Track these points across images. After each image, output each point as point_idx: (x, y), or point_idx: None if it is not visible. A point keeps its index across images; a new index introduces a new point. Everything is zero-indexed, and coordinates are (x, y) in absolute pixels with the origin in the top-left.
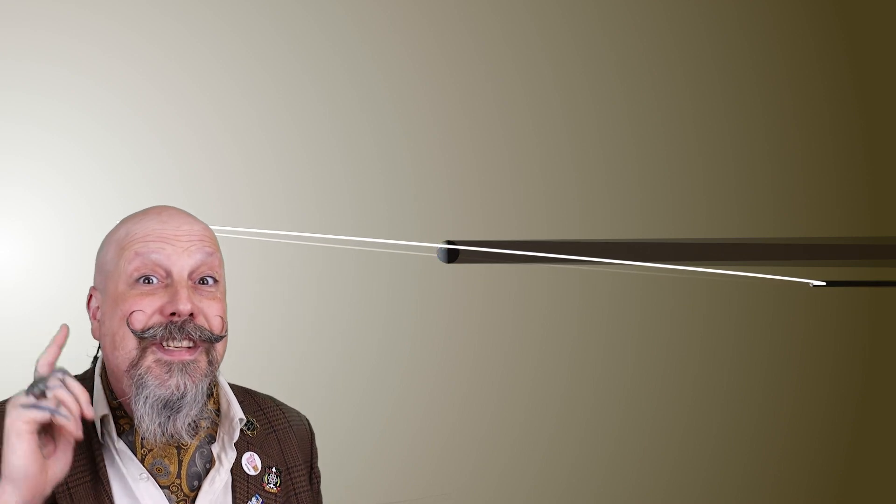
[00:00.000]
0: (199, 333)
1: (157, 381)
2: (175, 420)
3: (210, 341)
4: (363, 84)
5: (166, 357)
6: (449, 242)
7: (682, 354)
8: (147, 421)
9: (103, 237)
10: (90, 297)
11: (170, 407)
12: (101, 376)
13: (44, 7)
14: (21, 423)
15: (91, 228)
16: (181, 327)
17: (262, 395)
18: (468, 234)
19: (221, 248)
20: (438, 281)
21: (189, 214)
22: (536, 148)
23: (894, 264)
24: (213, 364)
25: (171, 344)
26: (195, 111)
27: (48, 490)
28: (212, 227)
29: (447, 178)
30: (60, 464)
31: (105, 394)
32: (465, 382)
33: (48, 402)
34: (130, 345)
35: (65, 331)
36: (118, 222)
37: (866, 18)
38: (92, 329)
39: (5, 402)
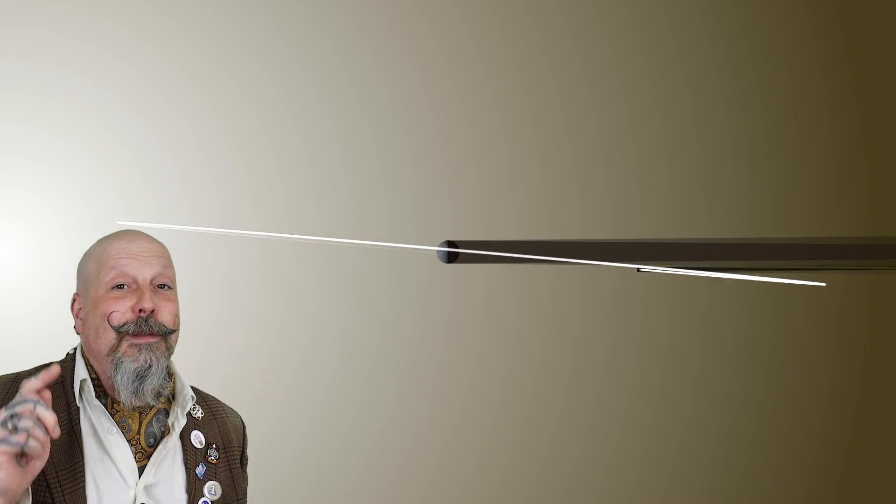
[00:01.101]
0: (158, 328)
1: (131, 359)
2: (143, 385)
3: (166, 334)
4: (363, 84)
5: (137, 341)
6: (449, 243)
7: (683, 354)
8: (123, 390)
9: (89, 247)
10: (73, 300)
11: (140, 376)
12: (81, 354)
13: (44, 7)
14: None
15: (91, 228)
16: (146, 321)
17: (205, 393)
18: (468, 234)
19: (219, 248)
20: (438, 281)
21: (149, 236)
22: (536, 148)
23: (894, 264)
24: (169, 349)
25: (140, 334)
26: (195, 111)
27: (26, 486)
28: (211, 227)
29: (447, 178)
30: (36, 468)
31: (86, 366)
32: (466, 382)
33: (18, 437)
34: (110, 336)
35: (55, 371)
36: (95, 242)
37: (866, 18)
38: (75, 325)
39: None
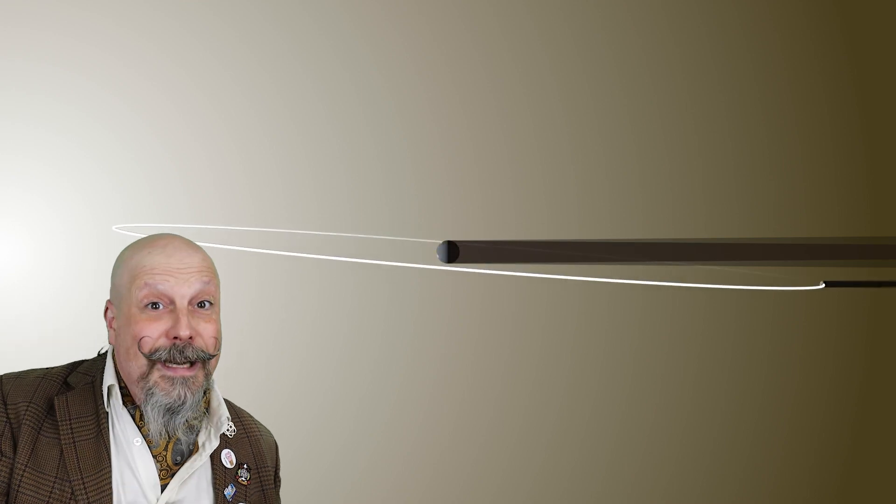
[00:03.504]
0: (196, 355)
1: (164, 393)
2: (174, 420)
3: (205, 360)
4: (363, 84)
5: (170, 374)
6: (449, 242)
7: (683, 355)
8: (153, 423)
9: (105, 247)
10: (107, 308)
11: (172, 411)
12: (112, 358)
13: (45, 7)
14: None
15: (91, 228)
16: (182, 351)
17: (239, 408)
18: (468, 235)
19: (217, 253)
20: (438, 284)
21: (190, 245)
22: (536, 148)
23: (894, 264)
24: (208, 377)
25: (172, 364)
26: (195, 111)
27: None
28: (210, 225)
29: (447, 178)
30: None
31: (114, 370)
32: (465, 387)
33: None
34: (141, 361)
35: None
36: (131, 245)
37: (866, 18)
38: (109, 335)
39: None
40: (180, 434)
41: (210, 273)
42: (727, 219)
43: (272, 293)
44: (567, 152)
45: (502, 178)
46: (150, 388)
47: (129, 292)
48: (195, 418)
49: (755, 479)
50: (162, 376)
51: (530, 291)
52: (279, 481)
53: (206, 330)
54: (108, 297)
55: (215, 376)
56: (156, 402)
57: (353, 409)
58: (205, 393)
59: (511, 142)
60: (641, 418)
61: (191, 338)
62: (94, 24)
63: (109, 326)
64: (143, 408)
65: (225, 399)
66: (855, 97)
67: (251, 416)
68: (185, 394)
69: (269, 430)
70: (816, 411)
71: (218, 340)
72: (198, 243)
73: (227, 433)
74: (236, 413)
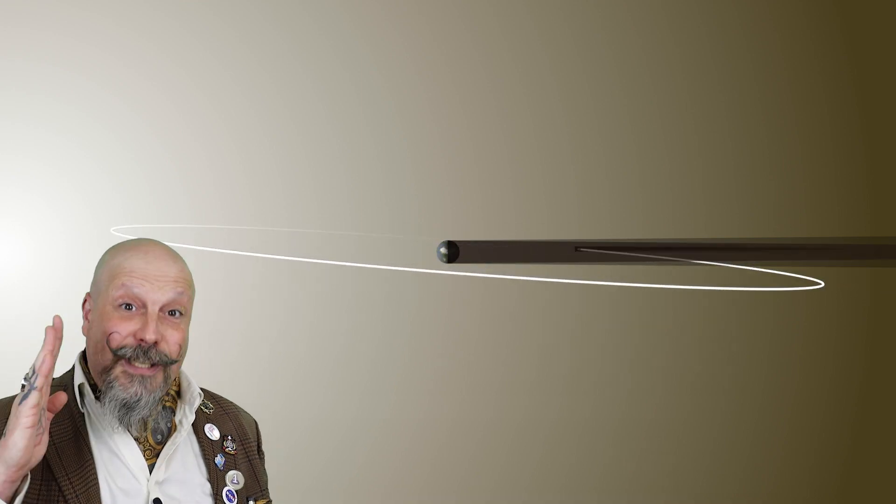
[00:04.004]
0: (159, 358)
1: (121, 387)
2: (129, 416)
3: (167, 364)
4: (363, 84)
5: (130, 371)
6: (449, 242)
7: (682, 355)
8: (109, 414)
9: (105, 248)
10: (85, 300)
11: (127, 406)
12: (80, 359)
13: (45, 7)
14: (24, 418)
15: (91, 228)
16: (146, 352)
17: (216, 393)
18: (468, 235)
19: (219, 254)
20: (435, 282)
21: (170, 255)
22: (536, 148)
23: (894, 264)
24: (167, 381)
25: (135, 363)
26: (195, 112)
27: (26, 471)
28: (210, 225)
29: (447, 178)
30: (42, 448)
31: (82, 369)
32: (463, 384)
33: (31, 384)
34: (107, 356)
35: (57, 323)
36: (116, 245)
37: (866, 18)
38: (83, 326)
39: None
40: (133, 431)
41: (185, 284)
42: (727, 219)
43: (270, 293)
44: (567, 152)
45: (502, 178)
46: (111, 382)
47: (107, 290)
48: (150, 417)
49: (755, 479)
50: (123, 372)
51: (529, 290)
52: (263, 455)
53: (171, 336)
54: (89, 290)
55: (210, 367)
56: (113, 395)
57: (351, 408)
58: (175, 381)
59: (511, 142)
60: (641, 417)
61: (156, 342)
62: (94, 24)
63: (85, 317)
64: (101, 398)
65: (203, 388)
66: (855, 97)
67: (228, 400)
68: (141, 392)
69: (246, 412)
70: (816, 411)
71: (182, 348)
72: (200, 247)
73: (205, 409)
74: (212, 396)
